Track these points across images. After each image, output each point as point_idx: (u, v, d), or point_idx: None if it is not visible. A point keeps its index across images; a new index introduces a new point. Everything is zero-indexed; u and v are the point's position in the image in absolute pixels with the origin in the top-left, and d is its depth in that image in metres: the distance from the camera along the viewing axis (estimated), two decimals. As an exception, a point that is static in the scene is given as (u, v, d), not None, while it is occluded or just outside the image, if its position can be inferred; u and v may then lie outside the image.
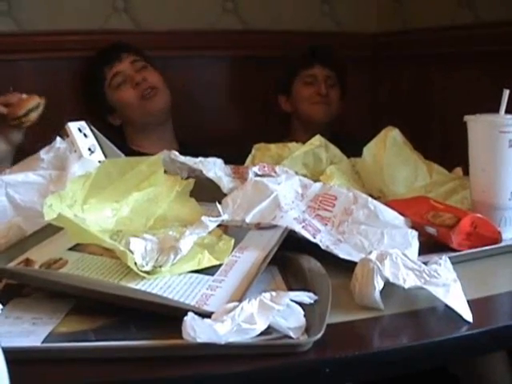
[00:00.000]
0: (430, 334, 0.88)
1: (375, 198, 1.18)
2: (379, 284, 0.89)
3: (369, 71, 2.80)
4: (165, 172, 1.17)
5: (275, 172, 1.26)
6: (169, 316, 0.80)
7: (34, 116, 1.63)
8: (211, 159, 1.27)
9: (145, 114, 2.22)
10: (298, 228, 1.06)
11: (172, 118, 2.30)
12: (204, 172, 1.22)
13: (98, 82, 2.24)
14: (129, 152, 1.77)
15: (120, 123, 2.30)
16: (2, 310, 0.84)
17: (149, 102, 2.20)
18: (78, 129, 1.35)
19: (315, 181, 1.24)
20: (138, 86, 2.19)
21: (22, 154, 1.32)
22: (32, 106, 1.63)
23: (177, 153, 1.27)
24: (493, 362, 1.71)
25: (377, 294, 0.89)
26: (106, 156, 1.34)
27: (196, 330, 0.74)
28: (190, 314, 0.76)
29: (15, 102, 1.64)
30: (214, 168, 1.24)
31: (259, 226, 1.09)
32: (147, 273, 0.89)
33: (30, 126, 1.64)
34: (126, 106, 2.23)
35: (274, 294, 0.80)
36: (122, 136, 2.27)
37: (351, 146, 1.54)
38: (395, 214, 1.14)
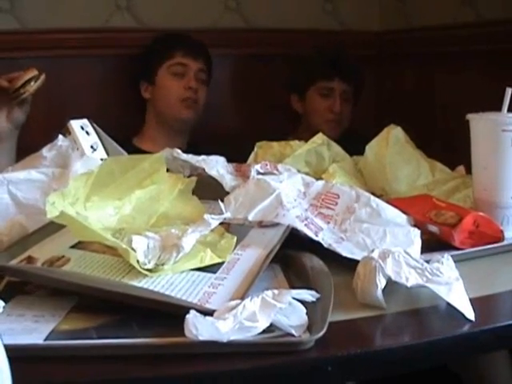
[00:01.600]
0: (432, 332, 0.88)
1: (377, 197, 1.18)
2: (381, 282, 0.89)
3: (371, 69, 2.79)
4: (167, 170, 1.17)
5: (277, 170, 1.26)
6: (171, 314, 0.80)
7: (31, 87, 1.67)
8: (213, 157, 1.27)
9: (173, 116, 2.26)
10: (300, 226, 1.06)
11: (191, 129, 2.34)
12: (206, 170, 1.22)
13: (163, 53, 2.27)
14: (134, 150, 1.77)
15: (148, 98, 2.32)
16: (4, 307, 0.84)
17: (184, 108, 2.25)
18: (80, 126, 1.35)
19: (317, 179, 1.24)
20: (189, 90, 2.23)
21: (24, 152, 1.32)
22: (29, 76, 1.67)
23: (179, 151, 1.27)
24: (495, 361, 1.71)
25: (379, 293, 0.89)
26: (108, 154, 1.34)
27: (198, 328, 0.74)
28: (192, 312, 0.76)
29: (16, 76, 1.68)
30: (216, 166, 1.24)
31: (261, 224, 1.09)
32: (149, 271, 0.89)
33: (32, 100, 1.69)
34: (166, 95, 2.26)
35: (276, 291, 0.80)
36: (135, 121, 2.30)
37: (354, 143, 1.54)
38: (397, 212, 1.14)
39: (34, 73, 1.67)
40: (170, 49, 2.27)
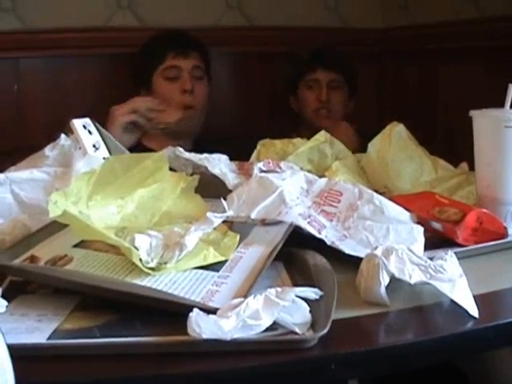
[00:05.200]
0: (435, 329, 0.88)
1: (380, 194, 1.18)
2: (385, 280, 0.89)
3: (374, 66, 2.79)
4: (170, 168, 1.17)
5: (280, 168, 1.26)
6: (174, 312, 0.80)
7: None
8: (216, 155, 1.27)
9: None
10: (303, 224, 1.06)
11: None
12: (209, 168, 1.22)
13: (154, 58, 2.21)
14: (142, 148, 1.77)
15: None
16: (7, 306, 0.84)
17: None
18: (82, 126, 1.35)
19: (320, 176, 1.24)
20: (185, 93, 2.17)
21: (26, 151, 1.32)
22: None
23: (181, 149, 1.27)
24: (500, 358, 1.70)
25: (382, 290, 0.89)
26: (110, 152, 1.34)
27: (201, 326, 0.74)
28: (196, 310, 0.76)
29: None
30: (219, 164, 1.24)
31: (264, 222, 1.09)
32: (152, 269, 0.89)
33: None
34: (162, 100, 2.18)
35: (279, 289, 0.80)
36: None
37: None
38: (401, 209, 1.14)
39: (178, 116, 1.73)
40: (160, 52, 2.21)
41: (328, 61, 2.41)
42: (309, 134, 1.55)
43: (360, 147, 1.77)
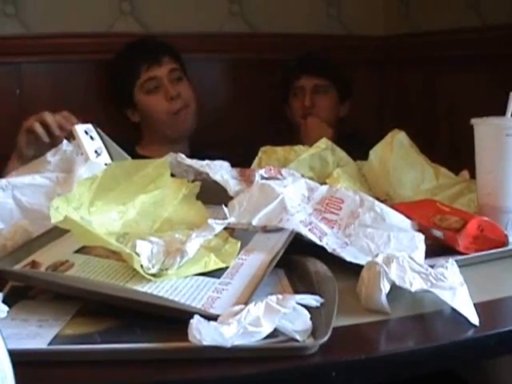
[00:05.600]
0: (436, 337, 0.88)
1: (382, 201, 1.18)
2: (386, 287, 0.89)
3: (375, 74, 2.79)
4: (171, 175, 1.17)
5: (281, 175, 1.26)
6: (175, 319, 0.80)
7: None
8: (217, 162, 1.27)
9: (171, 130, 2.20)
10: (304, 231, 1.06)
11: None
12: (210, 175, 1.22)
13: (129, 75, 2.18)
14: (138, 158, 1.76)
15: (138, 121, 2.26)
16: (8, 312, 0.84)
17: (180, 120, 2.19)
18: (84, 131, 1.36)
19: (322, 183, 1.24)
20: (171, 100, 2.15)
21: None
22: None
23: (183, 155, 1.27)
24: (500, 366, 1.70)
25: (383, 298, 0.89)
26: (112, 158, 1.34)
27: (202, 333, 0.74)
28: (196, 317, 0.76)
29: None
30: (220, 171, 1.24)
31: (265, 229, 1.09)
32: (153, 275, 0.89)
33: None
34: (153, 114, 2.19)
35: (280, 296, 0.80)
36: (134, 143, 2.25)
37: (359, 145, 1.54)
38: (402, 217, 1.14)
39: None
40: (133, 68, 2.17)
41: (311, 66, 2.41)
42: (307, 142, 1.55)
43: (334, 138, 1.78)
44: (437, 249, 1.11)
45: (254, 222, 1.09)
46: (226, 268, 0.95)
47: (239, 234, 1.06)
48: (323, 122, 2.35)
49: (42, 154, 1.30)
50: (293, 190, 1.17)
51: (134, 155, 1.92)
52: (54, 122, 1.64)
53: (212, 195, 1.17)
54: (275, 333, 0.78)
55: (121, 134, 2.08)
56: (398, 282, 0.90)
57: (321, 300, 0.85)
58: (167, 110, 2.17)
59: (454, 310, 0.88)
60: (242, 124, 2.59)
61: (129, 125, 2.28)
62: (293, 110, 2.43)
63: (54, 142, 1.51)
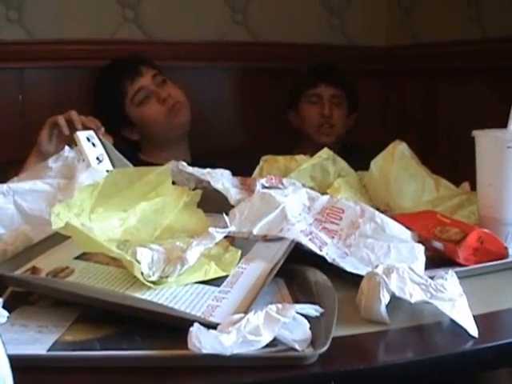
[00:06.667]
0: (435, 348, 0.88)
1: (382, 212, 1.18)
2: (385, 298, 0.89)
3: (378, 84, 2.80)
4: (173, 183, 1.17)
5: (282, 184, 1.26)
6: (174, 326, 0.80)
7: None
8: (219, 170, 1.27)
9: (170, 129, 2.21)
10: (304, 240, 1.06)
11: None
12: (211, 183, 1.22)
13: (116, 95, 2.19)
14: (141, 163, 1.75)
15: (138, 138, 2.27)
16: (8, 317, 0.84)
17: (176, 116, 2.19)
18: (86, 138, 1.36)
19: (322, 193, 1.24)
20: (164, 101, 2.17)
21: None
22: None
23: (185, 163, 1.27)
24: (498, 379, 1.70)
25: (383, 308, 0.89)
26: (114, 165, 1.35)
27: (201, 341, 0.74)
28: (196, 325, 0.76)
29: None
30: (221, 179, 1.24)
31: (266, 238, 1.09)
32: (153, 283, 0.89)
33: None
34: (151, 121, 2.20)
35: (279, 306, 0.80)
36: (136, 150, 2.25)
37: (361, 156, 1.54)
38: (402, 228, 1.14)
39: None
40: (118, 86, 2.19)
41: (330, 76, 2.43)
42: (310, 150, 1.55)
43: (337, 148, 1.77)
44: (437, 260, 1.11)
45: (255, 231, 1.09)
46: (226, 276, 0.95)
47: (240, 243, 1.06)
48: (338, 134, 2.40)
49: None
50: (294, 200, 1.17)
51: (136, 161, 1.92)
52: (79, 120, 1.68)
53: (213, 203, 1.18)
54: (274, 342, 0.78)
55: (128, 146, 2.09)
56: (397, 293, 0.90)
57: (320, 310, 0.85)
58: (163, 111, 2.18)
59: (453, 321, 0.88)
60: (243, 132, 2.59)
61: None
62: (305, 117, 2.44)
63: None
